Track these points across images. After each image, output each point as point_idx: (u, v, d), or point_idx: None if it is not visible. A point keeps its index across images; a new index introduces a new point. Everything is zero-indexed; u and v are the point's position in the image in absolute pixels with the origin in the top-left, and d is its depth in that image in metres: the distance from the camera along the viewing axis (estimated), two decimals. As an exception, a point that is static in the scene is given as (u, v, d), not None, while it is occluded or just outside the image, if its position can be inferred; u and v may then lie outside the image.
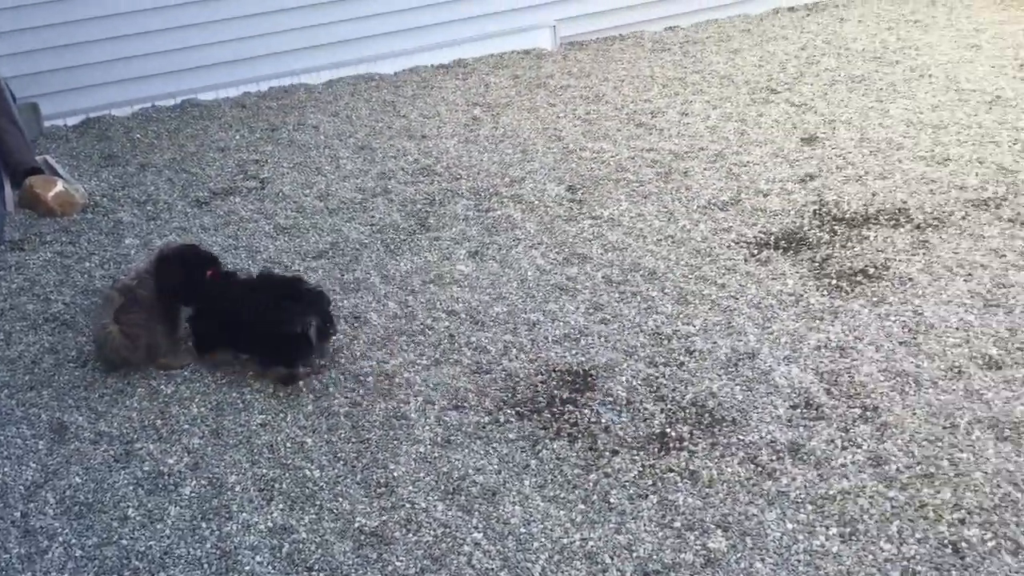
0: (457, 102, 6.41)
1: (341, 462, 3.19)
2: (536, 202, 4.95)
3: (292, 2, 6.71)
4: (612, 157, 5.40)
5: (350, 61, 6.99)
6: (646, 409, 3.34)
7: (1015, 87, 5.80)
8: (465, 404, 3.45)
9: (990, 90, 5.80)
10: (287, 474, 3.15)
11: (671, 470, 3.04)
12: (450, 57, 7.20)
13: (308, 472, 3.15)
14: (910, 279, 3.96)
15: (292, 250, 4.62)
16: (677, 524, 2.83)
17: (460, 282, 4.25)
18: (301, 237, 4.75)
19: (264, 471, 3.17)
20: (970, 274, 3.94)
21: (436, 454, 3.20)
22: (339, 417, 3.42)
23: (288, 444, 3.30)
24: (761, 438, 3.15)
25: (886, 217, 4.47)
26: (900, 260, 4.10)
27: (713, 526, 2.81)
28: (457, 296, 4.14)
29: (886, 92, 5.95)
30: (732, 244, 4.39)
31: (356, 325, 3.98)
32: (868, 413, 3.21)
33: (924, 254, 4.12)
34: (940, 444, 3.03)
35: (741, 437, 3.16)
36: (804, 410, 3.26)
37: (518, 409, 3.40)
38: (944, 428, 3.10)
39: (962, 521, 2.73)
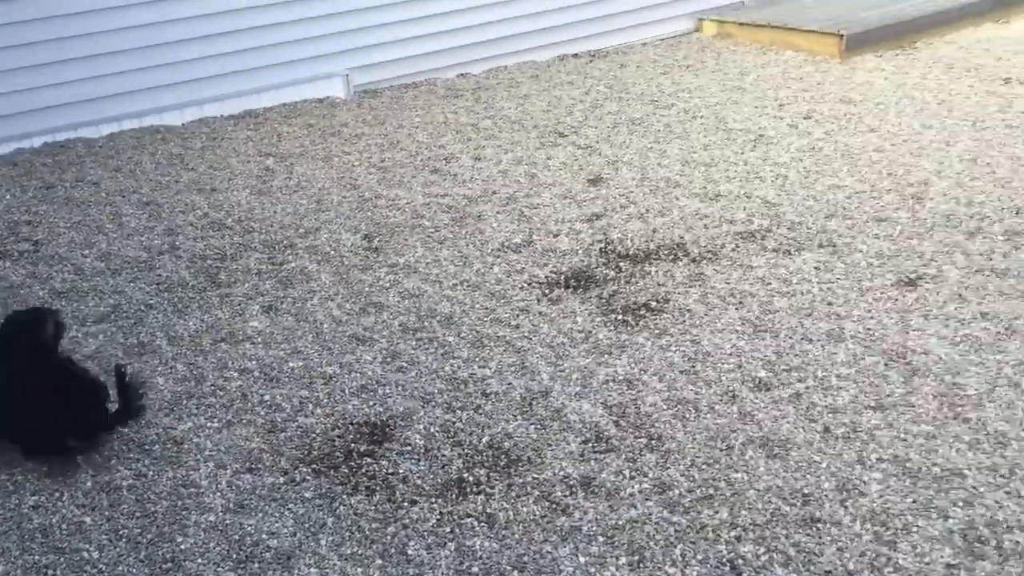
0: (249, 153, 6.28)
1: (123, 540, 3.02)
2: (332, 252, 4.91)
3: (65, 53, 6.39)
4: (408, 204, 5.44)
5: (134, 113, 6.71)
6: (444, 455, 3.36)
7: (775, 126, 6.31)
8: (259, 465, 3.35)
9: (754, 129, 6.28)
10: (62, 559, 2.95)
11: (469, 515, 3.07)
12: (241, 107, 7.06)
13: (86, 554, 2.96)
14: (688, 310, 4.20)
15: (70, 315, 4.35)
16: (475, 570, 2.85)
17: (253, 339, 4.14)
18: (80, 301, 4.49)
19: (36, 558, 2.95)
20: (741, 302, 4.22)
21: (228, 521, 3.09)
22: (122, 491, 3.24)
23: (64, 526, 3.09)
24: (555, 475, 3.23)
25: (666, 252, 4.73)
26: (679, 293, 4.34)
27: (509, 568, 2.85)
28: (250, 353, 4.03)
29: (663, 133, 6.32)
30: (525, 285, 4.51)
31: (141, 391, 3.79)
32: (653, 442, 3.36)
33: (700, 286, 4.39)
34: (718, 466, 3.22)
35: (536, 475, 3.23)
36: (595, 444, 3.37)
37: (314, 466, 3.34)
38: (721, 451, 3.29)
39: (738, 538, 2.90)
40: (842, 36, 7.59)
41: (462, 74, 7.87)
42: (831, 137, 6.05)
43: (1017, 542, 2.78)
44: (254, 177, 5.89)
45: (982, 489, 2.98)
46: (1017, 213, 4.77)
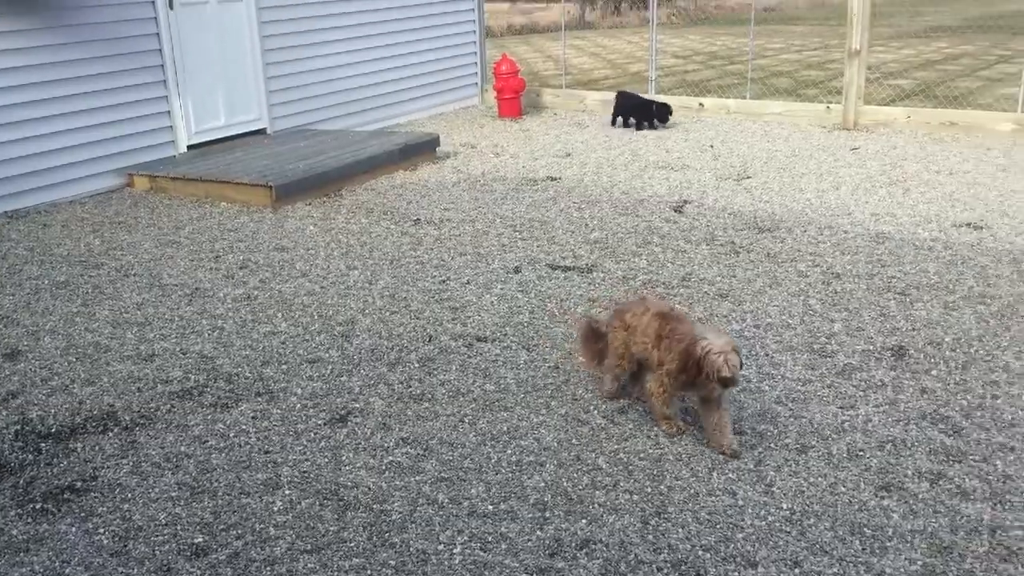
0: None
1: None
2: None
3: None
4: None
5: None
6: None
7: (212, 278, 6.34)
8: None
9: (190, 283, 6.25)
10: None
11: None
12: None
13: None
14: (119, 484, 3.93)
15: None
16: None
17: None
18: None
19: None
20: (177, 466, 4.07)
21: None
22: None
23: None
24: None
25: (94, 424, 4.41)
26: (109, 467, 4.06)
27: None
28: None
29: (92, 295, 5.99)
30: (-82, 489, 3.87)
31: None
32: (76, 643, 3.04)
33: (133, 455, 4.15)
34: (150, 653, 3.00)
35: None
36: (5, 663, 2.94)
37: None
38: (155, 634, 3.08)
39: None
40: (271, 187, 7.98)
41: None
42: (266, 285, 6.24)
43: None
44: None
45: (406, 610, 3.17)
46: (429, 341, 5.32)
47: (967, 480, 3.80)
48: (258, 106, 10.10)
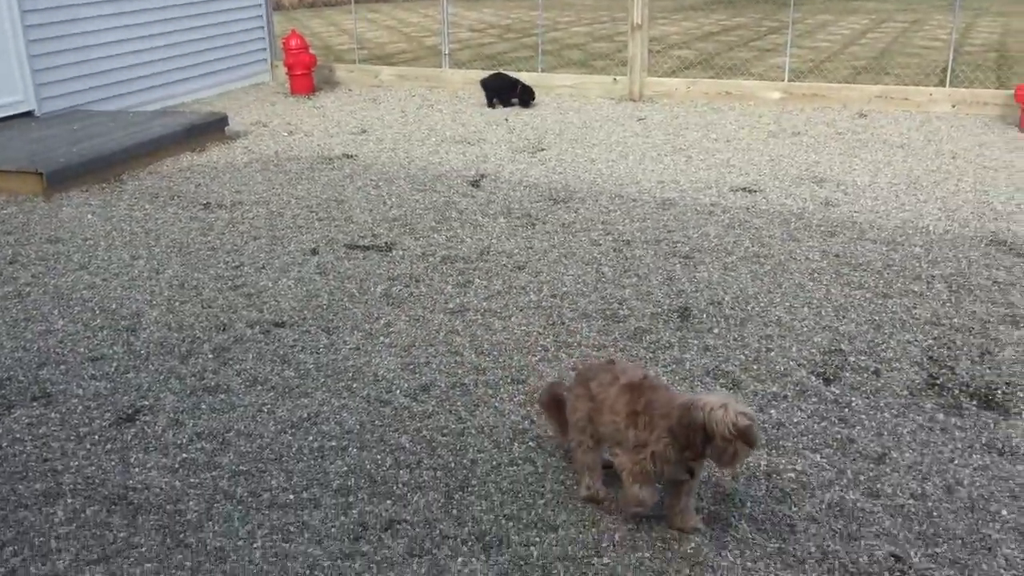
0: None
1: None
2: None
3: None
4: None
5: None
6: None
7: (-24, 276, 5.83)
8: None
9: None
10: None
11: None
12: None
13: None
14: None
15: None
16: None
17: None
18: None
19: None
20: (-59, 484, 3.73)
21: None
22: None
23: None
24: None
25: None
26: None
27: None
28: None
29: None
30: None
31: None
32: None
33: None
34: None
35: None
36: None
37: None
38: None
39: None
40: (42, 174, 7.40)
41: None
42: (39, 280, 5.80)
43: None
44: None
45: (205, 612, 3.06)
46: (223, 330, 5.12)
47: (746, 429, 4.07)
48: (23, 87, 9.32)
